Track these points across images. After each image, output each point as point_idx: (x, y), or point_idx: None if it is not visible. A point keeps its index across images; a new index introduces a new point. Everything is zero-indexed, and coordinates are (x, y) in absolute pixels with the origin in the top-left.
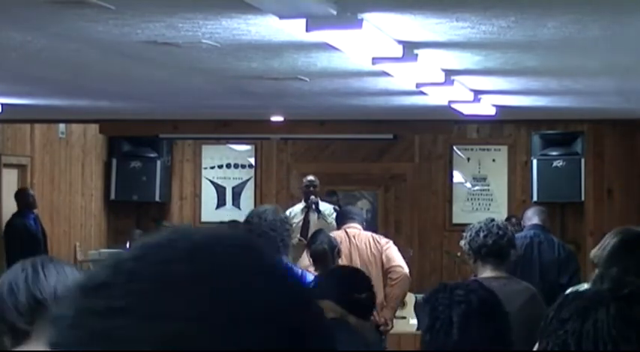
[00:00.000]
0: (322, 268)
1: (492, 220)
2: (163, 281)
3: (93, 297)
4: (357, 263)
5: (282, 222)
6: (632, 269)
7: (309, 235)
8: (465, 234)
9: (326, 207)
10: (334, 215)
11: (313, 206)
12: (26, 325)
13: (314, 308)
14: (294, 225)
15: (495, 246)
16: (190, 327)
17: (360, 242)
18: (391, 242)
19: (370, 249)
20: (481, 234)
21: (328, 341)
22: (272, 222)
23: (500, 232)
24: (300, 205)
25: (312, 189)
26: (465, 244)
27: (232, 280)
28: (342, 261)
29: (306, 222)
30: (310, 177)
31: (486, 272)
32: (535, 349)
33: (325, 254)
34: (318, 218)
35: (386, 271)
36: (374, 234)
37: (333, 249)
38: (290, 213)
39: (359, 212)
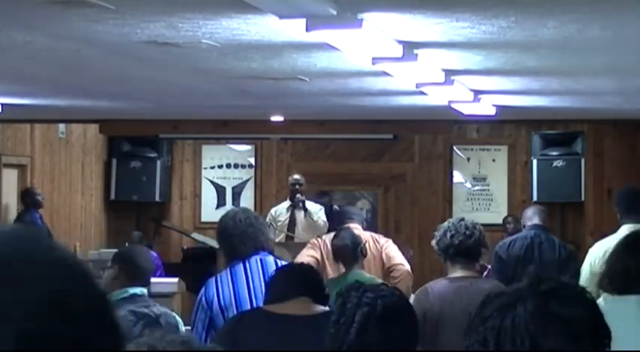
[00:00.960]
0: (344, 263)
1: (461, 220)
2: None
3: None
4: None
5: (256, 217)
6: (632, 270)
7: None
8: (435, 234)
9: (312, 206)
10: (321, 213)
11: (300, 204)
12: None
13: (90, 294)
14: (279, 223)
15: (462, 245)
16: None
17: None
18: (390, 241)
19: (370, 248)
20: (448, 234)
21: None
22: (247, 219)
23: (468, 232)
24: (286, 204)
25: (297, 187)
26: (434, 244)
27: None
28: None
29: (292, 220)
30: (296, 176)
31: (456, 272)
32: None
33: (346, 249)
34: (305, 216)
35: (387, 270)
36: (373, 234)
37: (357, 246)
38: (275, 211)
39: (358, 212)
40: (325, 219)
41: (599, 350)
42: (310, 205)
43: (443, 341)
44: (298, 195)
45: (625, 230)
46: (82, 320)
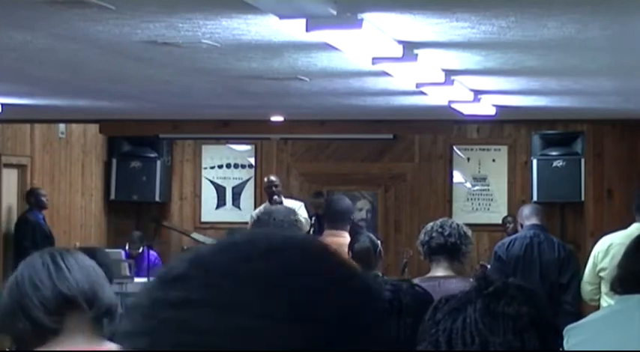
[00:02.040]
0: (365, 267)
1: (445, 220)
2: (240, 276)
3: (169, 289)
4: None
5: (290, 223)
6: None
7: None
8: (419, 234)
9: (292, 203)
10: (301, 210)
11: (277, 202)
12: (55, 323)
13: (380, 316)
14: None
15: (444, 245)
16: (261, 322)
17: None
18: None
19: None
20: (433, 234)
21: (387, 343)
22: (280, 222)
23: (446, 232)
24: (266, 205)
25: (273, 188)
26: (418, 244)
27: (304, 281)
28: None
29: None
30: (272, 178)
31: (438, 271)
32: None
33: (369, 252)
34: None
35: None
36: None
37: (376, 248)
38: (256, 214)
39: (347, 208)
40: (306, 216)
41: (548, 345)
42: (289, 203)
43: None
44: (275, 197)
45: (634, 228)
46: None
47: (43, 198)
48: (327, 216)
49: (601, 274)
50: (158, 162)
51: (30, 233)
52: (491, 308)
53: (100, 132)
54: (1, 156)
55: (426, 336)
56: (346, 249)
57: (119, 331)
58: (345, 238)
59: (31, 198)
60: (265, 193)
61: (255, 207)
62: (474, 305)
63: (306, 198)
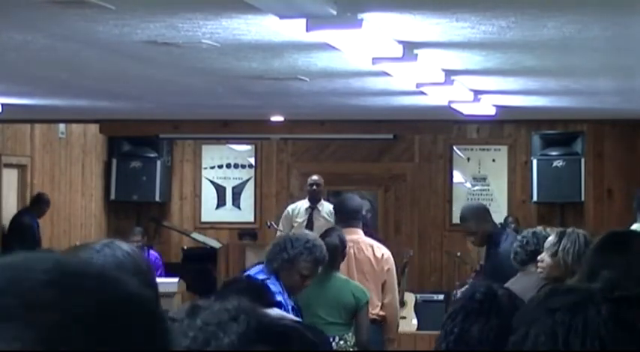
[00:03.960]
0: (329, 264)
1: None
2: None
3: None
4: (354, 274)
5: (301, 250)
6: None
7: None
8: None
9: (327, 205)
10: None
11: (318, 206)
12: None
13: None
14: (296, 223)
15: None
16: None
17: (359, 253)
18: (392, 263)
19: (371, 264)
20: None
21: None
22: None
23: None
24: (304, 204)
25: (315, 188)
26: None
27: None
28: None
29: (310, 221)
30: (314, 177)
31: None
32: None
33: (336, 250)
34: (320, 215)
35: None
36: (374, 245)
37: (344, 247)
38: (292, 210)
39: (359, 206)
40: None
41: None
42: (325, 205)
43: None
44: (315, 196)
45: (635, 228)
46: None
47: (45, 207)
48: (339, 215)
49: None
50: (158, 162)
51: (21, 234)
52: (617, 316)
53: (100, 132)
54: (1, 156)
55: (538, 322)
56: (362, 246)
57: None
58: (359, 235)
59: (35, 203)
60: (307, 192)
61: (256, 207)
62: (598, 307)
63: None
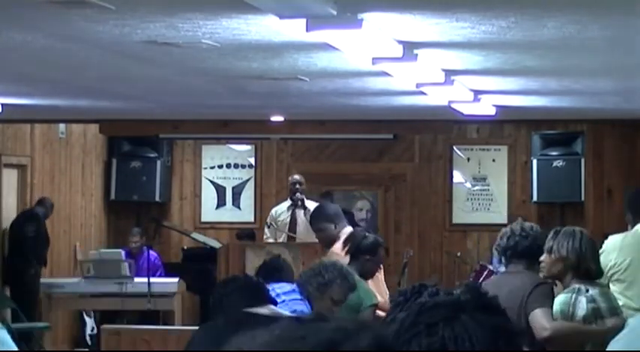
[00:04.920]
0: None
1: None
2: None
3: None
4: None
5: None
6: None
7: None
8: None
9: (312, 204)
10: None
11: (299, 203)
12: None
13: None
14: (280, 222)
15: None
16: None
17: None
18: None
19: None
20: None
21: None
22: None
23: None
24: (286, 203)
25: (297, 187)
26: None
27: None
28: None
29: (293, 219)
30: (296, 176)
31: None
32: None
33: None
34: (305, 215)
35: None
36: None
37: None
38: (275, 212)
39: (335, 211)
40: None
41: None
42: (310, 204)
43: None
44: (297, 194)
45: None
46: None
47: (50, 212)
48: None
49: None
50: (158, 162)
51: (20, 238)
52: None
53: (100, 132)
54: (1, 156)
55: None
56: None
57: None
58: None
59: (39, 206)
60: (288, 192)
61: (256, 207)
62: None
63: (311, 198)
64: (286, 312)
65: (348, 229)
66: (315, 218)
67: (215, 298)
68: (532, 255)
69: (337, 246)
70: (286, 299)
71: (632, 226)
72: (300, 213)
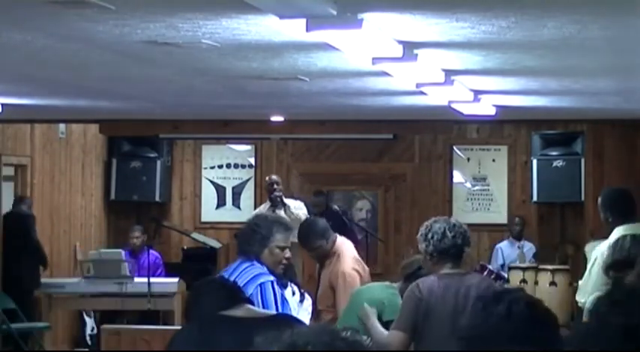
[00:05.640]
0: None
1: (448, 220)
2: None
3: None
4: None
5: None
6: None
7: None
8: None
9: (292, 202)
10: (302, 209)
11: (278, 200)
12: None
13: None
14: None
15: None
16: None
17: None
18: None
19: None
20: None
21: None
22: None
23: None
24: (266, 204)
25: (274, 187)
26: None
27: None
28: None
29: None
30: (273, 177)
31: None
32: None
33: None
34: (285, 212)
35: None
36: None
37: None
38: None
39: (323, 226)
40: (307, 214)
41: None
42: (289, 201)
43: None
44: (275, 193)
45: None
46: None
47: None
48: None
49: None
50: (158, 162)
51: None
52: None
53: (100, 132)
54: (1, 156)
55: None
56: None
57: None
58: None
59: (23, 205)
60: (266, 192)
61: (256, 207)
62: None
63: (307, 197)
64: (264, 311)
65: (337, 237)
66: (306, 237)
67: (189, 301)
68: None
69: (348, 263)
70: (248, 276)
71: (612, 227)
72: (280, 212)
